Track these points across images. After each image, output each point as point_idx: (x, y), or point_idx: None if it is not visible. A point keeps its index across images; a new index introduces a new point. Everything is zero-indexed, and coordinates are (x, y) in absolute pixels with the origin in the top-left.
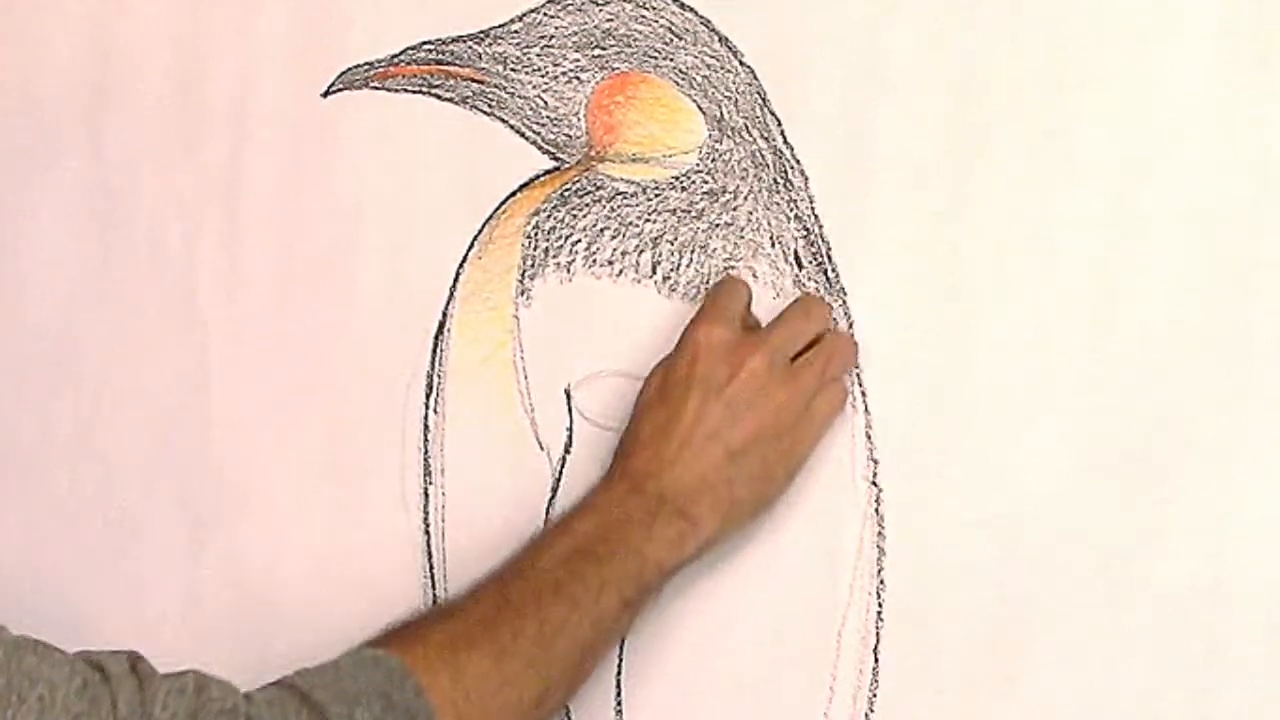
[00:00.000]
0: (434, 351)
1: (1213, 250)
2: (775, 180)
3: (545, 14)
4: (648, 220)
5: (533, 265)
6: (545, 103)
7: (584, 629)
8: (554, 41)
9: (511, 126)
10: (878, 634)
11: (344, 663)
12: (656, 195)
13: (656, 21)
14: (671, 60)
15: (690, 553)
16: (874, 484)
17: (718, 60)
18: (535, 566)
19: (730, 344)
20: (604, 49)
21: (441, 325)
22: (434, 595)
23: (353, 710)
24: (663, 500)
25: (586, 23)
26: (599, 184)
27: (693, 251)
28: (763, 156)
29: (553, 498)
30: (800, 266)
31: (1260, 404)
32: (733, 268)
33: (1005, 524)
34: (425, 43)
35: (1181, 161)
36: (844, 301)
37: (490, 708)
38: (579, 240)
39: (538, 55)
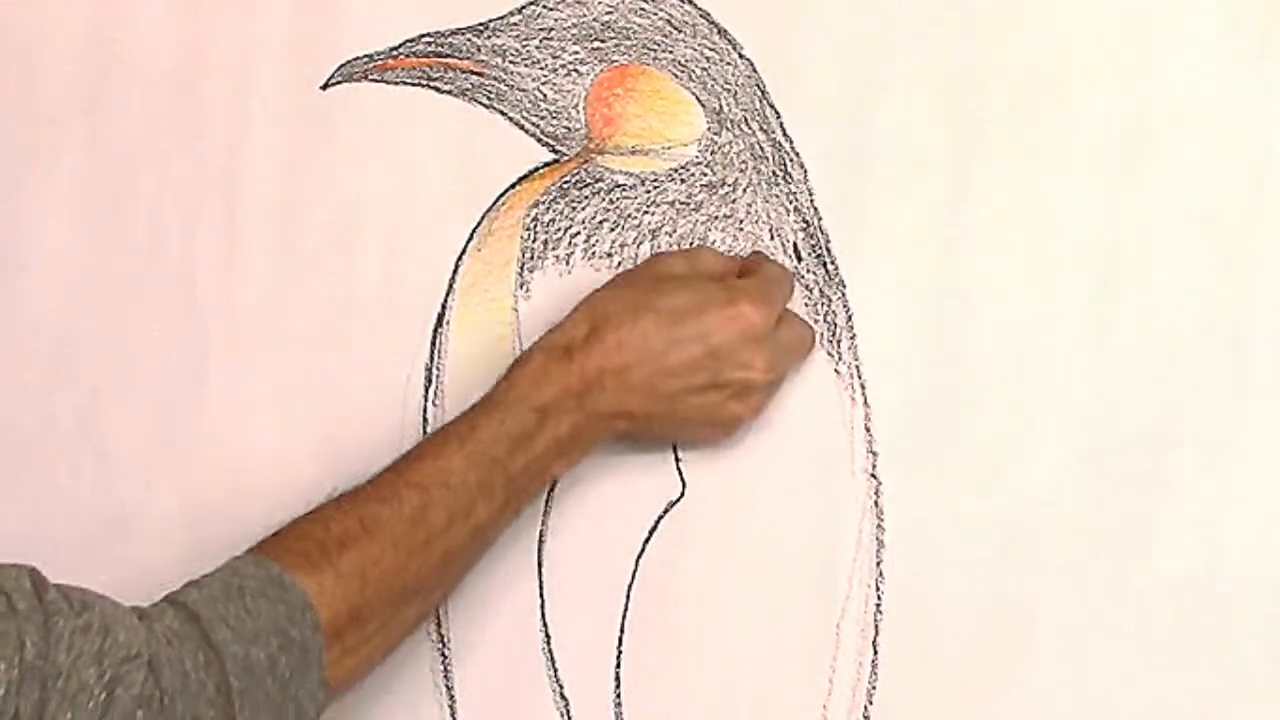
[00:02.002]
0: (433, 344)
1: (1212, 245)
2: (774, 173)
3: (544, 6)
4: (646, 212)
5: (532, 258)
6: (544, 95)
7: (476, 553)
8: (553, 34)
9: (510, 119)
10: (877, 627)
11: (249, 585)
12: (655, 187)
13: (655, 14)
14: (670, 53)
15: None
16: (873, 476)
17: (717, 53)
18: (463, 483)
19: (760, 342)
20: (603, 41)
21: (441, 318)
22: None
23: (249, 650)
24: (591, 420)
25: (585, 15)
26: (598, 176)
27: (691, 244)
28: (762, 149)
29: (551, 490)
30: (799, 259)
31: (1258, 400)
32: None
33: (1004, 517)
34: (424, 35)
35: (1181, 157)
36: (843, 294)
37: (377, 645)
38: (578, 232)
39: (537, 48)
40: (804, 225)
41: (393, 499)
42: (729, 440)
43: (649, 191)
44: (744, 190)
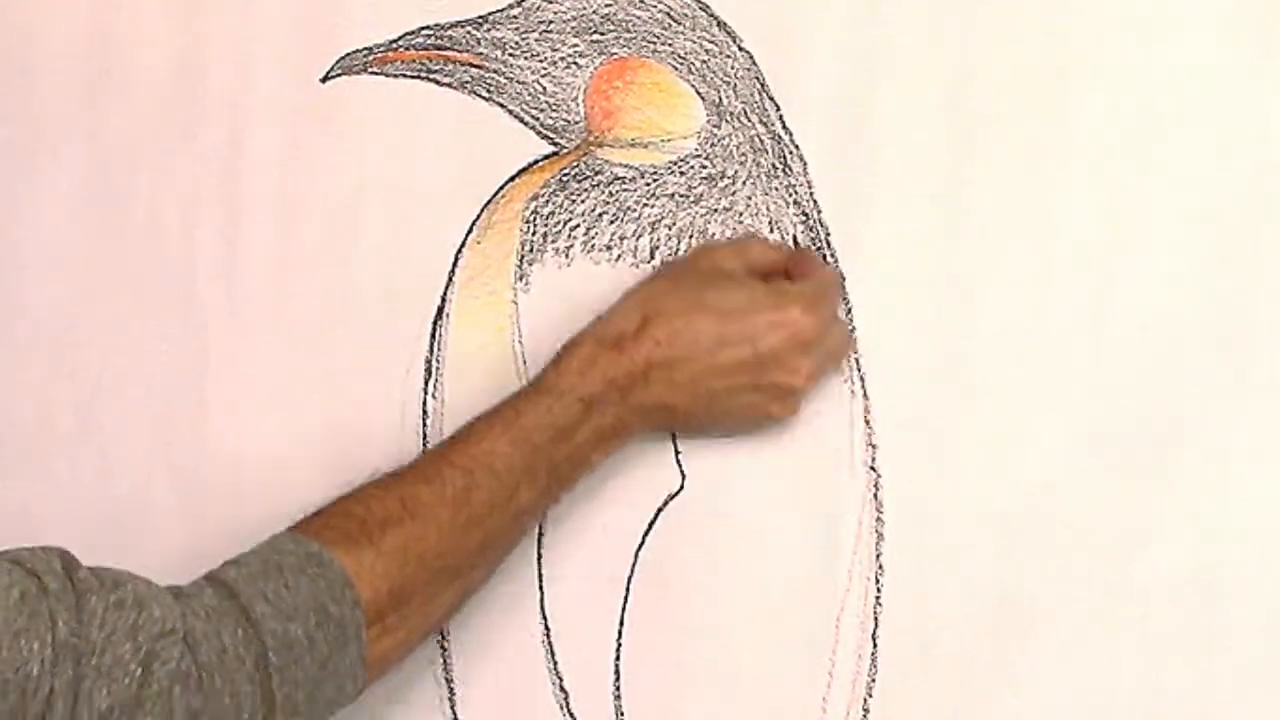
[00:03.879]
0: (433, 337)
1: (1212, 239)
2: (774, 165)
3: None
4: (646, 205)
5: (531, 250)
6: (544, 88)
7: (516, 537)
8: (553, 27)
9: (510, 111)
10: (876, 620)
11: (288, 562)
12: (655, 180)
13: (655, 6)
14: (670, 45)
15: None
16: (873, 469)
17: (716, 45)
18: (507, 467)
19: (807, 348)
20: (603, 34)
21: (440, 311)
22: None
23: (288, 626)
24: (633, 412)
25: (585, 8)
26: (597, 169)
27: (691, 236)
28: (761, 141)
29: None
30: None
31: (1258, 393)
32: None
33: (1004, 510)
34: (424, 28)
35: (1181, 149)
36: (843, 287)
37: (416, 626)
38: (577, 225)
39: (536, 40)
40: (804, 218)
41: (436, 480)
42: (728, 434)
43: (648, 184)
44: (743, 183)
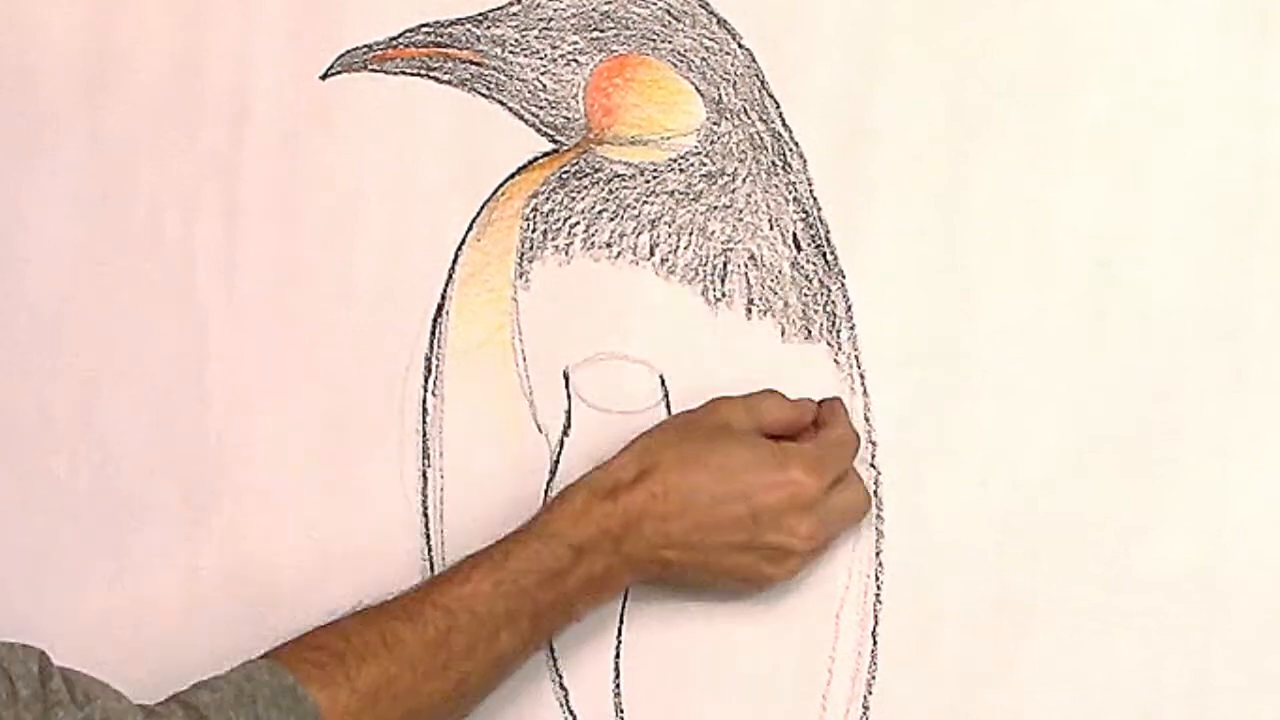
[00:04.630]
0: (433, 334)
1: (1210, 232)
2: (774, 163)
3: None
4: (646, 202)
5: (531, 248)
6: (544, 85)
7: (493, 683)
8: (552, 24)
9: (510, 109)
10: (876, 617)
11: (262, 693)
12: (655, 177)
13: (655, 4)
14: (670, 42)
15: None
16: (873, 467)
17: (716, 42)
18: (490, 611)
19: (807, 510)
20: (602, 31)
21: (440, 308)
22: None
23: None
24: (625, 563)
25: (585, 5)
26: (597, 166)
27: (691, 234)
28: (761, 139)
29: (550, 480)
30: (799, 249)
31: (1256, 387)
32: (731, 250)
33: (1003, 507)
34: (424, 25)
35: (1180, 145)
36: (842, 284)
37: None
38: (577, 222)
39: (536, 38)
40: (803, 215)
41: (417, 619)
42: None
43: (648, 181)
44: (743, 180)
